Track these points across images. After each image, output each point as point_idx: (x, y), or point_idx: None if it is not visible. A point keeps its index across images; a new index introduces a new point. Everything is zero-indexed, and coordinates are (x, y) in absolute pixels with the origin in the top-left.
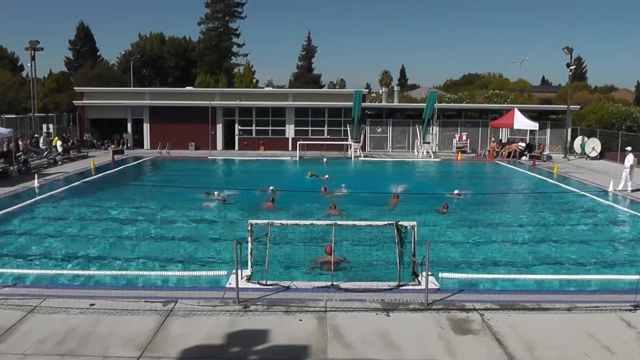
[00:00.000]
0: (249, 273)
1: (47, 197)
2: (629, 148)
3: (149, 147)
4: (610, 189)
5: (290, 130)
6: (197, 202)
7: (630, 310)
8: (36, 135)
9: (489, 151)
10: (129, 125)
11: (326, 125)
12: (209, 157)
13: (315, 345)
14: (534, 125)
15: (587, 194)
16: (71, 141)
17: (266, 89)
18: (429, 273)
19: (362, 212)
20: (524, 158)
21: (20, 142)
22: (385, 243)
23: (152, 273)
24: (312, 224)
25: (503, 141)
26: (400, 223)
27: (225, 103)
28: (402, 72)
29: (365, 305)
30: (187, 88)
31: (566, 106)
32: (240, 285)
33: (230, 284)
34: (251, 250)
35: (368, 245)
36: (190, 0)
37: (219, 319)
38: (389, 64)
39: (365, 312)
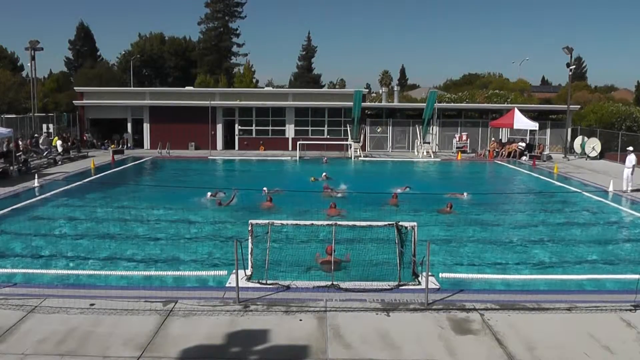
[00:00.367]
0: (249, 273)
1: (47, 197)
2: (630, 148)
3: (149, 147)
4: (611, 188)
5: (290, 130)
6: (197, 202)
7: (630, 310)
8: (36, 135)
9: (489, 151)
10: (129, 125)
11: (326, 125)
12: (209, 157)
13: (315, 345)
14: (534, 125)
15: (587, 194)
16: (71, 141)
17: (266, 89)
18: (429, 273)
19: (362, 212)
20: (524, 158)
21: (20, 142)
22: (386, 243)
23: (152, 273)
24: (312, 224)
25: (503, 141)
26: (400, 223)
27: (225, 103)
28: (402, 72)
29: (365, 305)
30: (187, 88)
31: (566, 106)
32: (240, 285)
33: (230, 283)
34: (251, 250)
35: (368, 246)
36: (190, 0)
37: (219, 319)
38: (389, 64)
39: (365, 312)
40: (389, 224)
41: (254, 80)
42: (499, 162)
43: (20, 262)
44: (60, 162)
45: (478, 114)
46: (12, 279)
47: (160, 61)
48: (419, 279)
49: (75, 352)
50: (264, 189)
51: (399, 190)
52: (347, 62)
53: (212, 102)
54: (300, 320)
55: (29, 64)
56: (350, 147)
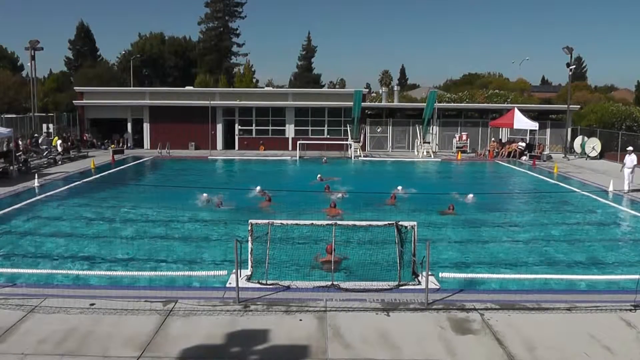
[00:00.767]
0: (249, 273)
1: (47, 197)
2: (630, 148)
3: (149, 147)
4: (611, 188)
5: (290, 130)
6: (196, 203)
7: (630, 310)
8: (36, 135)
9: (489, 151)
10: (129, 125)
11: (326, 125)
12: (209, 157)
13: (315, 345)
14: (534, 125)
15: (588, 194)
16: (71, 141)
17: (266, 88)
18: (429, 273)
19: (362, 213)
20: (524, 158)
21: (20, 142)
22: (386, 243)
23: (152, 273)
24: (312, 223)
25: (503, 141)
26: (400, 223)
27: (225, 103)
28: (402, 72)
29: (365, 305)
30: (187, 88)
31: (566, 106)
32: (240, 285)
33: (230, 283)
34: (251, 250)
35: (368, 245)
36: (190, 0)
37: (219, 319)
38: (389, 64)
39: (365, 312)
40: (389, 224)
41: (254, 80)
42: (499, 162)
43: (20, 262)
44: (60, 162)
45: (478, 114)
46: (12, 279)
47: (160, 61)
48: (419, 278)
49: (75, 352)
50: (257, 188)
51: (399, 190)
52: (347, 62)
53: (212, 102)
54: (300, 320)
55: (29, 64)
56: (350, 147)
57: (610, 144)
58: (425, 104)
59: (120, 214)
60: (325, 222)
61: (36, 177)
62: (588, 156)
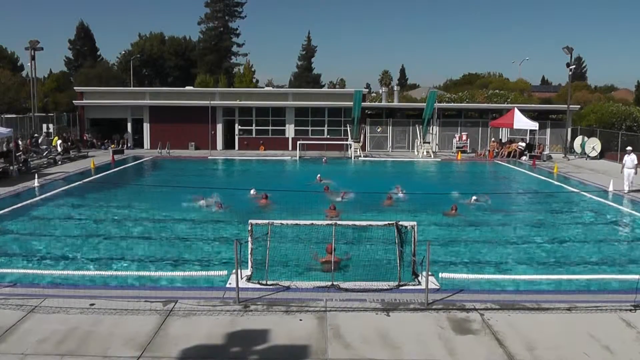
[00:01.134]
0: (249, 273)
1: (47, 197)
2: (629, 148)
3: (149, 147)
4: (611, 188)
5: (290, 130)
6: (195, 204)
7: (630, 310)
8: (36, 135)
9: (489, 151)
10: (129, 125)
11: (326, 125)
12: (209, 157)
13: (315, 345)
14: (534, 125)
15: (588, 194)
16: (71, 141)
17: (266, 88)
18: (429, 273)
19: (362, 214)
20: (524, 158)
21: (20, 142)
22: (386, 243)
23: (152, 273)
24: (312, 224)
25: (503, 141)
26: (400, 223)
27: (225, 103)
28: (402, 72)
29: (365, 305)
30: (187, 88)
31: (566, 106)
32: (240, 285)
33: (230, 283)
34: (251, 250)
35: (368, 245)
36: (190, 0)
37: (219, 319)
38: (389, 64)
39: (365, 312)
40: (389, 224)
41: (254, 80)
42: (499, 162)
43: (21, 262)
44: (60, 162)
45: (478, 114)
46: (12, 279)
47: (160, 61)
48: (419, 278)
49: (75, 352)
50: (252, 190)
51: (398, 191)
52: (347, 62)
53: (212, 102)
54: (301, 320)
55: (29, 64)
56: (350, 147)
57: (610, 144)
58: (425, 104)
59: (120, 214)
60: (325, 222)
61: (36, 177)
62: (588, 156)
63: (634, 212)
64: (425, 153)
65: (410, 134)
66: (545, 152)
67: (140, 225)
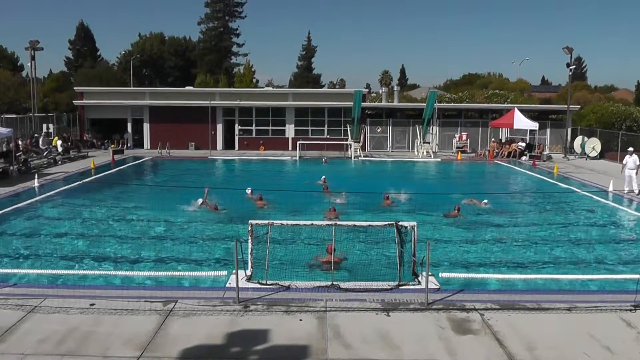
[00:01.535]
0: (249, 273)
1: (47, 197)
2: (631, 149)
3: (149, 147)
4: (611, 188)
5: (290, 130)
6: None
7: (630, 310)
8: (36, 135)
9: (489, 151)
10: (129, 125)
11: (326, 125)
12: (209, 157)
13: (315, 345)
14: (534, 125)
15: (588, 194)
16: (71, 141)
17: (266, 88)
18: (429, 273)
19: (362, 215)
20: (524, 158)
21: (20, 142)
22: (386, 243)
23: (152, 273)
24: (312, 224)
25: (503, 141)
26: (400, 223)
27: (225, 103)
28: (402, 72)
29: (365, 305)
30: (187, 88)
31: (566, 106)
32: (240, 285)
33: (230, 283)
34: (251, 250)
35: (368, 245)
36: (190, 0)
37: (219, 319)
38: (389, 64)
39: (365, 312)
40: (389, 224)
41: (254, 80)
42: (499, 162)
43: (21, 262)
44: (60, 162)
45: (478, 114)
46: (12, 279)
47: (160, 61)
48: (419, 278)
49: (75, 352)
50: (248, 190)
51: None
52: (347, 62)
53: (212, 102)
54: (300, 320)
55: (29, 64)
56: (350, 147)
57: (610, 144)
58: (425, 104)
59: (120, 214)
60: (325, 223)
61: (36, 177)
62: (588, 156)
63: (633, 212)
64: (425, 153)
65: (410, 134)
66: (545, 152)
67: (140, 225)
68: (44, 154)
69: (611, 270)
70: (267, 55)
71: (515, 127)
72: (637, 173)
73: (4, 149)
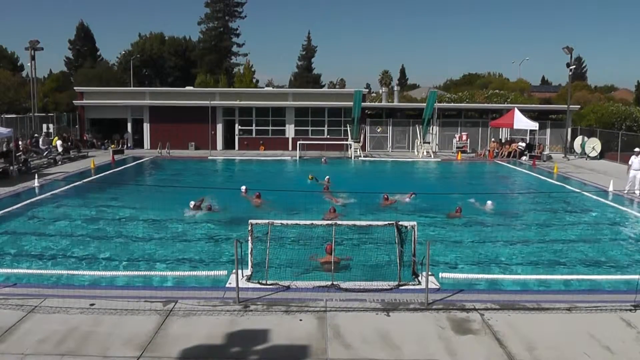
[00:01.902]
0: (249, 273)
1: (47, 197)
2: (638, 149)
3: (149, 147)
4: (611, 188)
5: (290, 130)
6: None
7: (630, 310)
8: (36, 135)
9: (489, 151)
10: (129, 125)
11: (326, 125)
12: (209, 157)
13: (315, 345)
14: (534, 125)
15: (588, 194)
16: (70, 140)
17: (266, 88)
18: (429, 273)
19: (362, 216)
20: (524, 158)
21: (20, 142)
22: (386, 243)
23: (152, 273)
24: (312, 224)
25: (503, 141)
26: (400, 223)
27: (225, 103)
28: (402, 72)
29: (365, 305)
30: (187, 88)
31: (566, 106)
32: (240, 285)
33: (230, 283)
34: (251, 250)
35: (368, 245)
36: (190, 0)
37: (219, 319)
38: (389, 64)
39: (365, 312)
40: (389, 224)
41: (254, 80)
42: (499, 162)
43: (20, 262)
44: (60, 162)
45: (478, 114)
46: (12, 279)
47: (160, 61)
48: (419, 278)
49: (75, 352)
50: (243, 188)
51: (407, 199)
52: (347, 62)
53: (212, 102)
54: (300, 320)
55: (29, 64)
56: (350, 147)
57: (610, 144)
58: (425, 104)
59: (120, 214)
60: (325, 222)
61: (36, 177)
62: (588, 156)
63: (634, 212)
64: (425, 153)
65: (410, 134)
66: (545, 152)
67: (140, 225)
68: (44, 154)
69: (611, 270)
70: (267, 55)
71: (515, 127)
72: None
73: (4, 149)
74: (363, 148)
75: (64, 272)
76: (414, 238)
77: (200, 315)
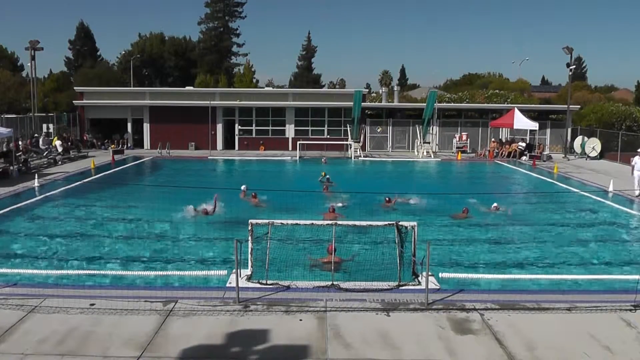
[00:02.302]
0: (249, 273)
1: (47, 197)
2: None
3: (149, 147)
4: (611, 188)
5: (290, 130)
6: (195, 202)
7: (630, 310)
8: (36, 135)
9: (489, 151)
10: (129, 125)
11: (326, 125)
12: (209, 157)
13: (315, 345)
14: (534, 125)
15: (587, 194)
16: (70, 140)
17: (266, 89)
18: (429, 273)
19: (363, 215)
20: (524, 158)
21: (20, 142)
22: (386, 243)
23: (152, 273)
24: (312, 223)
25: (503, 141)
26: (400, 223)
27: (225, 103)
28: (402, 72)
29: (365, 305)
30: (187, 88)
31: (566, 106)
32: (240, 285)
33: (230, 283)
34: (251, 250)
35: (368, 245)
36: (190, 0)
37: (219, 319)
38: (389, 64)
39: (365, 312)
40: (389, 224)
41: (254, 80)
42: (499, 162)
43: (20, 262)
44: (60, 162)
45: (478, 114)
46: (12, 279)
47: (160, 61)
48: (419, 279)
49: (75, 352)
50: (243, 187)
51: (411, 201)
52: (347, 62)
53: (212, 102)
54: (301, 320)
55: (29, 64)
56: (350, 147)
57: (610, 144)
58: (425, 104)
59: (120, 214)
60: (325, 222)
61: (36, 177)
62: (588, 156)
63: (633, 212)
64: (425, 153)
65: (410, 134)
66: (545, 152)
67: (140, 225)
68: (44, 154)
69: (611, 270)
70: (267, 55)
71: (515, 127)
72: None
73: (4, 149)
74: (363, 148)
75: (64, 272)
76: (414, 238)
77: (200, 315)
